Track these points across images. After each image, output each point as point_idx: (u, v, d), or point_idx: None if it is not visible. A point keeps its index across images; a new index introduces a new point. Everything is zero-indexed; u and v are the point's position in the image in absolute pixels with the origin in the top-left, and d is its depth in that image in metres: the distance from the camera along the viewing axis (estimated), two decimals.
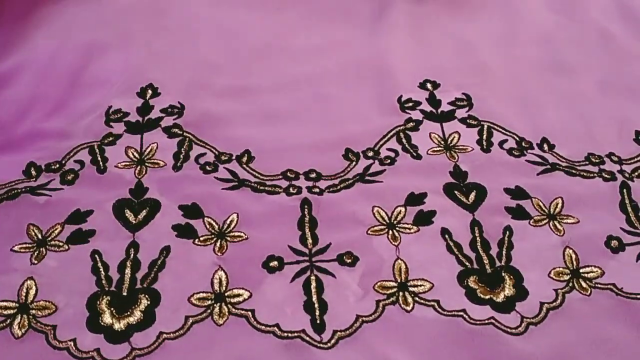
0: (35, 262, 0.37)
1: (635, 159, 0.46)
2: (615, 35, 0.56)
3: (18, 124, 0.45)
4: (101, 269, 0.37)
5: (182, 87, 0.48)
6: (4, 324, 0.34)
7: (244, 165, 0.43)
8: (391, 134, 0.46)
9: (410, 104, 0.48)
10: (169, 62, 0.50)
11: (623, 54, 0.54)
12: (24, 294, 0.35)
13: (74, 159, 0.43)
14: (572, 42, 0.55)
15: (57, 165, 0.42)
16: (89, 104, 0.46)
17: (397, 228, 0.40)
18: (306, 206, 0.41)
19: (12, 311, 0.35)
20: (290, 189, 0.42)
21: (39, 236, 0.38)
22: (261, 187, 0.42)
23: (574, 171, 0.44)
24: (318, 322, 0.35)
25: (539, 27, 0.56)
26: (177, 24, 0.53)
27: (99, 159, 0.43)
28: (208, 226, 0.39)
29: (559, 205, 0.42)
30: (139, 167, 0.42)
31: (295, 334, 0.35)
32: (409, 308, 0.36)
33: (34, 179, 0.41)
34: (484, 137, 0.46)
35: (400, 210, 0.41)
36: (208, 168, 0.43)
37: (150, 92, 0.48)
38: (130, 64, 0.49)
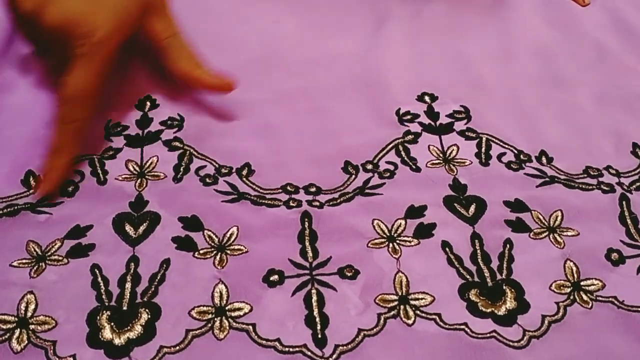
0: (35, 275, 0.37)
1: (633, 172, 0.46)
2: (611, 49, 0.56)
3: (15, 130, 0.45)
4: (101, 284, 0.36)
5: (179, 99, 0.48)
6: (3, 338, 0.34)
7: (244, 179, 0.43)
8: (390, 146, 0.46)
9: (409, 117, 0.48)
10: (165, 74, 0.50)
11: (619, 68, 0.55)
12: (24, 309, 0.35)
13: (73, 169, 0.42)
14: (568, 56, 0.55)
15: None
16: None
17: (398, 241, 0.40)
18: (306, 219, 0.41)
19: (11, 325, 0.35)
20: (290, 202, 0.42)
21: (39, 252, 0.38)
22: (261, 200, 0.42)
23: (572, 184, 0.44)
24: (319, 336, 0.35)
25: (536, 41, 0.57)
26: None
27: (99, 171, 0.43)
28: (208, 239, 0.39)
29: (559, 218, 0.42)
30: (139, 180, 0.42)
31: (297, 349, 0.35)
32: (410, 322, 0.36)
33: (33, 191, 0.41)
34: (483, 150, 0.46)
35: (401, 223, 0.41)
36: (208, 180, 0.43)
37: (149, 104, 0.48)
38: (126, 75, 0.49)
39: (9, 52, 0.50)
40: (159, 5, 0.45)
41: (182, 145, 0.45)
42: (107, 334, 0.34)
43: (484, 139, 0.47)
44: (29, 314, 0.35)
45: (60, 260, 0.37)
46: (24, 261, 0.37)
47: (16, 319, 0.35)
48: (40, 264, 0.37)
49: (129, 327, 0.35)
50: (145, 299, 0.36)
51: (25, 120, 0.45)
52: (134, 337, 0.34)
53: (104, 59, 0.41)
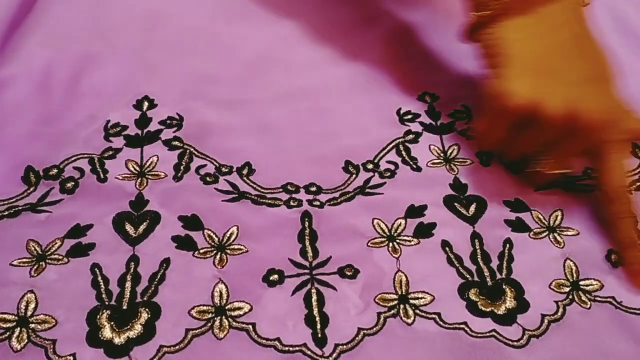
0: (35, 274, 0.37)
1: (632, 172, 0.46)
2: (611, 49, 0.56)
3: (13, 127, 0.45)
4: (101, 283, 0.37)
5: (178, 99, 0.48)
6: (3, 337, 0.34)
7: (244, 178, 0.43)
8: (391, 146, 0.46)
9: (410, 116, 0.48)
10: (164, 74, 0.50)
11: (618, 68, 0.54)
12: (24, 307, 0.35)
13: (73, 166, 0.42)
14: None
15: (56, 171, 0.42)
16: (84, 115, 0.46)
17: (398, 240, 0.40)
18: (306, 219, 0.41)
19: (11, 324, 0.35)
20: (291, 202, 0.42)
21: (39, 251, 0.38)
22: (261, 200, 0.42)
23: (571, 185, 0.44)
24: (319, 335, 0.35)
25: None
26: (172, 36, 0.53)
27: (99, 170, 0.43)
28: (208, 238, 0.39)
29: (559, 218, 0.42)
30: (139, 179, 0.42)
31: (297, 348, 0.35)
32: (410, 321, 0.36)
33: (34, 188, 0.41)
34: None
35: (401, 223, 0.41)
36: (208, 179, 0.43)
37: (146, 104, 0.48)
38: (125, 76, 0.49)
39: (7, 49, 0.50)
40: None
41: (181, 145, 0.45)
42: (107, 333, 0.34)
43: None
44: (29, 313, 0.35)
45: (60, 260, 0.38)
46: (24, 260, 0.37)
47: (16, 317, 0.35)
48: (41, 263, 0.37)
49: (128, 327, 0.35)
50: (145, 299, 0.36)
51: (24, 118, 0.45)
52: (134, 336, 0.34)
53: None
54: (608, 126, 0.39)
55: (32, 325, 0.34)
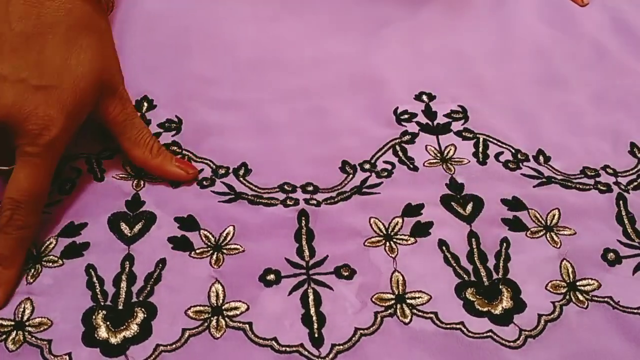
0: (32, 280, 0.37)
1: (631, 172, 0.46)
2: (610, 49, 0.56)
3: None
4: (96, 284, 0.36)
5: (177, 100, 0.48)
6: None
7: (241, 178, 0.43)
8: (388, 146, 0.46)
9: (407, 116, 0.48)
10: (163, 75, 0.50)
11: (617, 68, 0.55)
12: (21, 313, 0.35)
13: (70, 165, 0.42)
14: (566, 56, 0.55)
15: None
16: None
17: (394, 239, 0.40)
18: (303, 218, 0.40)
19: (7, 328, 0.35)
20: (288, 201, 0.42)
21: (34, 252, 0.38)
22: (258, 200, 0.42)
23: (569, 184, 0.44)
24: (316, 335, 0.35)
25: (534, 40, 0.57)
26: (170, 37, 0.53)
27: (96, 169, 0.43)
28: (204, 239, 0.39)
29: (556, 217, 0.42)
30: (136, 180, 0.42)
31: (294, 349, 0.35)
32: (407, 320, 0.36)
33: None
34: (480, 149, 0.46)
35: (398, 221, 0.41)
36: (205, 183, 0.42)
37: (146, 104, 0.47)
38: (125, 76, 0.49)
39: None
40: (114, 87, 0.41)
41: (180, 150, 0.45)
42: (102, 333, 0.34)
43: (481, 139, 0.47)
44: (26, 317, 0.35)
45: (55, 262, 0.37)
46: None
47: (13, 322, 0.35)
48: (37, 265, 0.37)
49: (124, 327, 0.35)
50: (141, 299, 0.36)
51: None
52: (130, 336, 0.34)
53: (54, 159, 0.37)
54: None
55: (29, 328, 0.34)
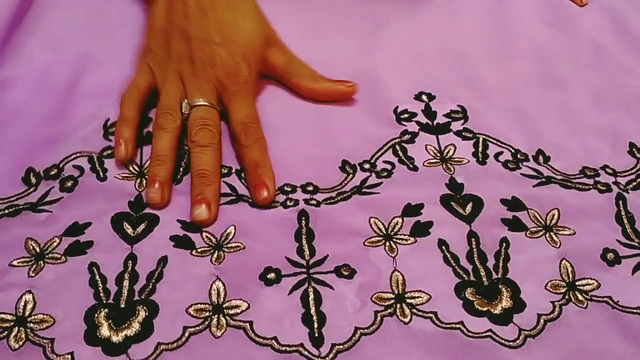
0: (33, 275, 0.37)
1: (630, 171, 0.46)
2: (609, 49, 0.56)
3: (13, 128, 0.45)
4: (99, 282, 0.37)
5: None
6: (1, 336, 0.34)
7: (243, 181, 0.43)
8: (387, 146, 0.46)
9: (406, 116, 0.49)
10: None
11: (616, 68, 0.55)
12: (22, 308, 0.35)
13: (72, 164, 0.42)
14: (566, 56, 0.55)
15: (56, 171, 0.42)
16: (84, 115, 0.46)
17: (394, 239, 0.40)
18: (303, 218, 0.41)
19: (9, 324, 0.35)
20: (287, 202, 0.42)
21: (37, 249, 0.38)
22: None
23: (569, 184, 0.44)
24: (316, 335, 0.35)
25: (533, 40, 0.57)
26: None
27: (99, 168, 0.43)
28: (206, 239, 0.39)
29: (555, 217, 0.42)
30: (139, 180, 0.42)
31: (294, 348, 0.35)
32: (406, 320, 0.36)
33: (34, 188, 0.41)
34: (480, 149, 0.46)
35: (397, 221, 0.41)
36: None
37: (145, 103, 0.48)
38: (125, 76, 0.49)
39: (7, 50, 0.50)
40: (273, 38, 0.51)
41: (181, 147, 0.45)
42: (104, 331, 0.35)
43: (480, 139, 0.47)
44: (27, 313, 0.35)
45: (58, 259, 0.38)
46: (23, 260, 0.37)
47: (14, 317, 0.35)
48: (39, 262, 0.37)
49: (126, 325, 0.35)
50: (142, 297, 0.36)
51: (24, 118, 0.46)
52: (132, 334, 0.35)
53: (253, 93, 0.48)
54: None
55: (30, 325, 0.35)
